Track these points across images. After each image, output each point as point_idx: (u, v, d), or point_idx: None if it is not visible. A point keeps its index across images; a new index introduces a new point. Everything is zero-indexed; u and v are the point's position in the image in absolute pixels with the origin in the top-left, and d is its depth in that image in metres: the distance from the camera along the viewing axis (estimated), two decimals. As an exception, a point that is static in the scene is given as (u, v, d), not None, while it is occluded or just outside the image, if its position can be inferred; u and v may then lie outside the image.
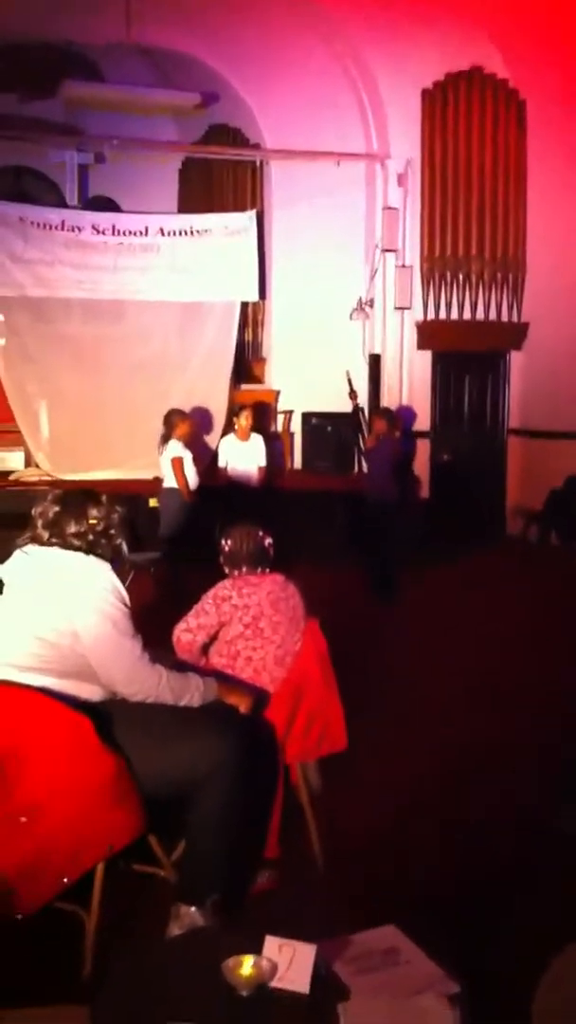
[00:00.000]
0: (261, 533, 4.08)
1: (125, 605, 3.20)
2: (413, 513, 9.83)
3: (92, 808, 3.03)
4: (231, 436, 9.64)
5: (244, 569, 4.01)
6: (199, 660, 3.94)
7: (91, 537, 3.27)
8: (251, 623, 3.87)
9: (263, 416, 11.27)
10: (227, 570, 4.06)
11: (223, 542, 4.08)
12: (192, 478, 8.66)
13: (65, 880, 3.01)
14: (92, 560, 3.23)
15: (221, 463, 9.54)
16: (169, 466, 8.61)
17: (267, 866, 3.67)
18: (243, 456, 9.47)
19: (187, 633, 3.90)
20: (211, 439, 11.03)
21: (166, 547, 8.52)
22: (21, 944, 3.21)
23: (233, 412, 10.10)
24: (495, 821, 4.33)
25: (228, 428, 11.21)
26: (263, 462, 9.56)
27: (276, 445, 11.05)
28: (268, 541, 4.08)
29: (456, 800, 4.56)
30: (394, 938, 2.35)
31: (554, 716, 5.64)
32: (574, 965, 2.12)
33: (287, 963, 2.15)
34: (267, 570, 4.05)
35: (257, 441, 9.59)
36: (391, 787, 4.66)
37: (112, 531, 3.32)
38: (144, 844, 3.30)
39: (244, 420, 9.50)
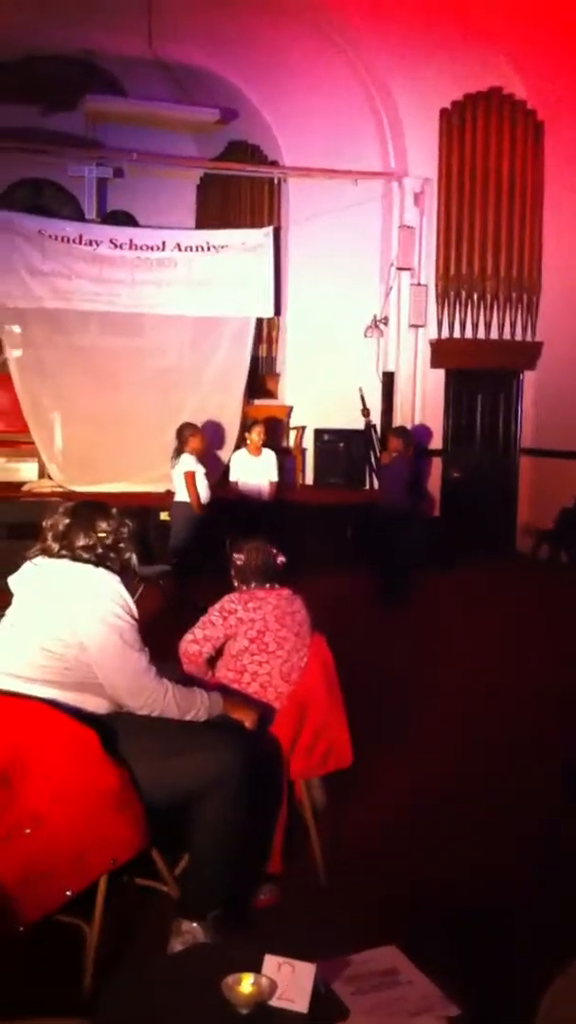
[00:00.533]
0: (274, 550, 4.09)
1: (133, 618, 3.21)
2: (421, 524, 9.84)
3: (95, 820, 3.02)
4: (242, 451, 9.66)
5: (253, 584, 4.02)
6: (205, 674, 3.94)
7: (100, 550, 3.28)
8: (256, 637, 3.87)
9: (275, 431, 11.29)
10: (236, 583, 4.07)
11: (235, 555, 4.08)
12: (204, 492, 8.68)
13: (68, 893, 3.00)
14: (101, 572, 3.23)
15: (232, 477, 9.56)
16: (181, 480, 8.64)
17: (269, 881, 3.66)
18: (254, 471, 9.49)
19: (193, 644, 3.91)
20: (223, 453, 11.05)
21: (176, 560, 8.53)
22: (22, 956, 3.22)
23: (245, 427, 10.13)
24: (499, 838, 4.31)
25: (241, 443, 11.26)
26: (275, 477, 9.57)
27: (287, 460, 11.06)
28: (281, 559, 4.09)
29: (460, 817, 4.55)
30: (394, 959, 2.35)
31: (563, 732, 5.63)
32: None
33: (286, 982, 2.14)
34: (275, 585, 4.05)
35: (269, 456, 9.61)
36: (395, 803, 4.65)
37: (121, 544, 3.32)
38: (147, 858, 3.30)
39: (256, 435, 9.52)
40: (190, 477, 8.57)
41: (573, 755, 4.93)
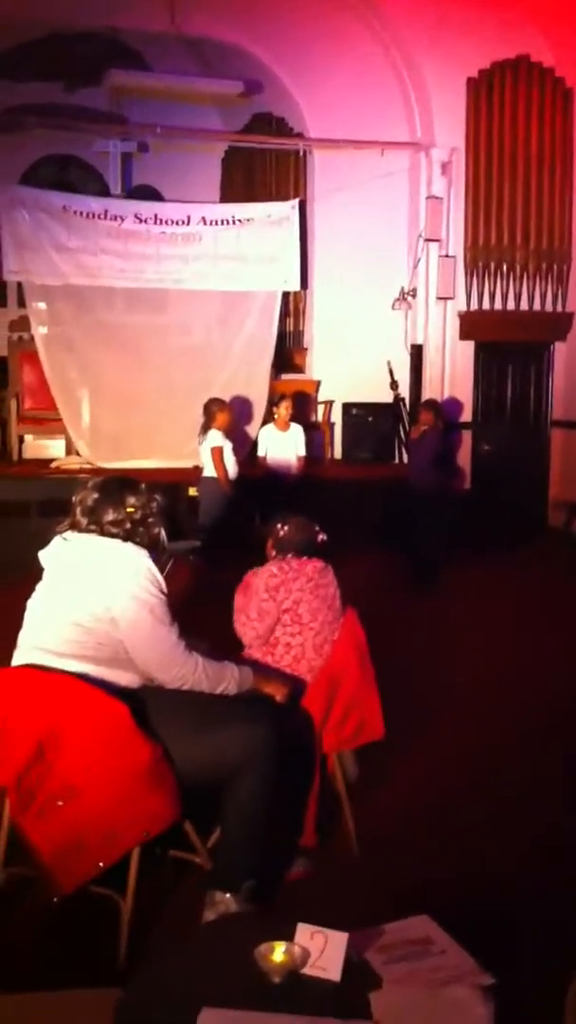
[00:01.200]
0: (317, 528, 4.11)
1: (162, 592, 3.21)
2: (450, 503, 9.79)
3: (128, 793, 3.04)
4: (271, 426, 9.64)
5: (289, 556, 4.01)
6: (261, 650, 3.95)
7: (128, 525, 3.28)
8: (291, 608, 3.88)
9: (304, 406, 11.25)
10: (273, 553, 4.06)
11: (278, 526, 4.08)
12: (231, 468, 8.68)
13: (101, 864, 3.03)
14: (130, 547, 3.24)
15: (260, 452, 9.55)
16: (208, 455, 8.64)
17: (302, 854, 3.68)
18: (282, 445, 9.47)
19: (251, 630, 3.92)
20: (251, 429, 11.03)
21: (205, 536, 8.54)
22: (57, 928, 3.25)
23: (273, 402, 10.10)
24: (533, 812, 4.30)
25: (268, 418, 11.23)
26: (302, 452, 9.55)
27: (316, 435, 11.02)
28: (322, 537, 4.10)
29: (494, 791, 4.55)
30: (427, 928, 2.34)
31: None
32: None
33: (319, 951, 2.14)
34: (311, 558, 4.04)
35: (296, 431, 9.58)
36: (428, 777, 4.66)
37: (150, 519, 3.33)
38: (180, 830, 3.32)
39: (284, 410, 9.50)
40: (217, 453, 8.57)
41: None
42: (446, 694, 5.91)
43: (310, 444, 9.86)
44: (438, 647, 7.03)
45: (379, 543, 9.66)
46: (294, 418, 9.67)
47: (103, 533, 3.27)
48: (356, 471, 11.07)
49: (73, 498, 3.39)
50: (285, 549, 4.03)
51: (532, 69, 11.31)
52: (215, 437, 8.65)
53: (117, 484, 3.39)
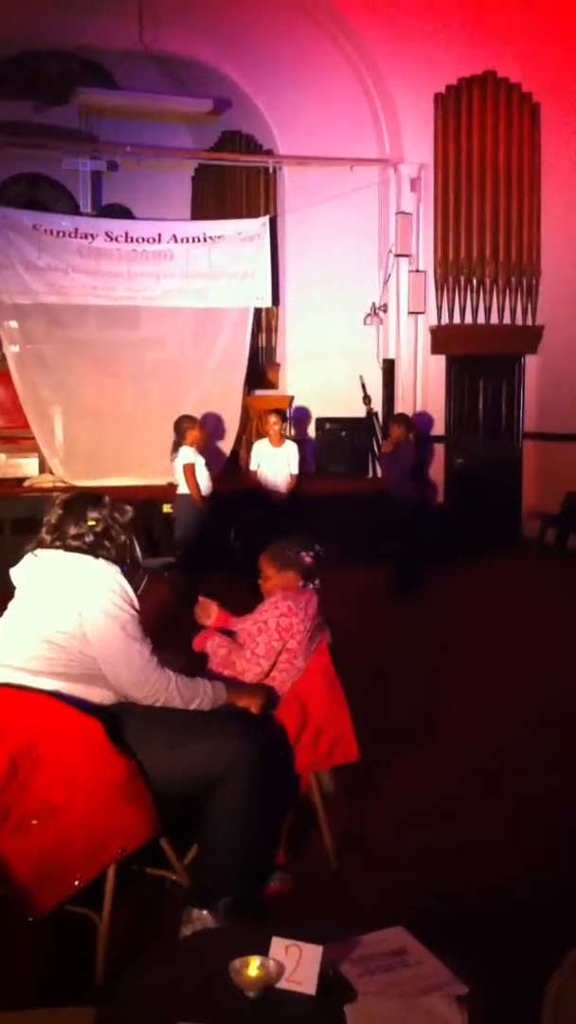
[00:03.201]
0: (318, 547, 4.07)
1: (134, 608, 3.20)
2: (426, 513, 9.84)
3: (104, 810, 3.02)
4: (264, 441, 9.60)
5: (312, 581, 3.99)
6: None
7: (90, 538, 3.28)
8: (293, 648, 3.79)
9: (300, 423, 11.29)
10: (300, 582, 3.97)
11: (305, 555, 4.00)
12: (204, 484, 8.68)
13: (77, 883, 3.00)
14: (100, 563, 3.23)
15: (252, 467, 9.53)
16: (181, 472, 8.64)
17: (279, 869, 3.66)
18: (275, 461, 9.44)
19: (260, 670, 3.77)
20: (225, 445, 11.05)
21: (181, 552, 8.53)
22: (33, 947, 3.22)
23: (256, 418, 10.09)
24: (511, 824, 4.31)
25: (242, 433, 11.25)
26: (295, 470, 9.50)
27: (307, 449, 10.96)
28: (320, 552, 4.06)
29: (472, 801, 4.55)
30: (402, 939, 2.34)
31: (572, 718, 5.62)
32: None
33: (294, 964, 2.14)
34: (317, 583, 4.02)
35: (290, 448, 9.54)
36: (406, 788, 4.66)
37: (113, 531, 3.32)
38: (156, 847, 3.30)
39: (274, 424, 9.47)
40: (190, 469, 8.56)
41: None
42: (426, 704, 5.91)
43: (302, 461, 9.81)
44: (419, 659, 7.05)
45: (356, 555, 9.67)
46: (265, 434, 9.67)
47: (67, 548, 3.27)
48: (331, 485, 11.09)
49: (43, 517, 3.40)
50: (309, 576, 3.99)
51: (499, 84, 11.44)
52: (187, 454, 8.65)
53: (79, 499, 3.41)
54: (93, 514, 3.31)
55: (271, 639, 3.77)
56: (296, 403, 11.79)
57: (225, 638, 3.93)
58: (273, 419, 9.53)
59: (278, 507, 9.20)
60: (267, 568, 4.06)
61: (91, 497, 3.42)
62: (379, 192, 11.60)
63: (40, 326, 10.86)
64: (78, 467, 10.60)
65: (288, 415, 11.44)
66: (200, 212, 12.55)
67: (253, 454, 9.59)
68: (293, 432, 11.57)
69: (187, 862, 3.43)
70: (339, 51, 11.15)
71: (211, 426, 10.29)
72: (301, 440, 10.97)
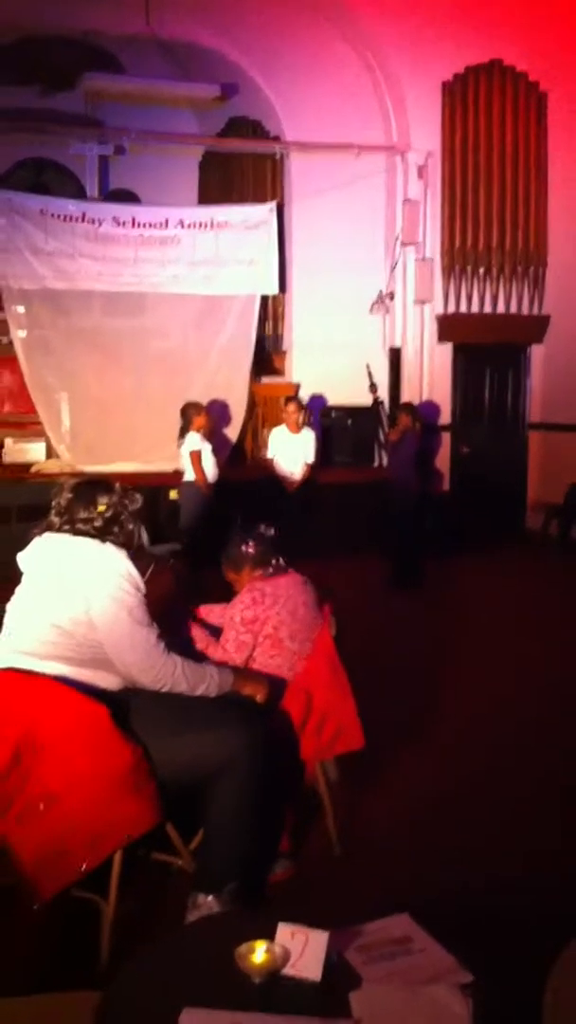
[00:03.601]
0: (262, 527, 4.05)
1: (140, 593, 3.21)
2: (430, 503, 9.84)
3: (110, 796, 3.04)
4: (282, 427, 9.59)
5: (272, 564, 3.95)
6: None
7: (99, 523, 3.29)
8: (271, 634, 3.81)
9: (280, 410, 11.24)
10: (258, 572, 3.96)
11: (244, 548, 3.99)
12: (211, 471, 8.68)
13: (83, 868, 3.02)
14: (107, 547, 3.24)
15: (269, 454, 9.53)
16: (187, 459, 8.64)
17: (283, 856, 3.68)
18: (292, 449, 9.43)
19: (229, 663, 3.79)
20: (231, 432, 11.04)
21: (186, 539, 8.54)
22: (39, 933, 3.24)
23: (262, 404, 10.05)
24: (516, 813, 4.32)
25: (248, 421, 11.25)
26: (311, 458, 9.50)
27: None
28: (271, 531, 4.04)
29: (477, 792, 4.56)
30: (407, 927, 2.35)
31: (573, 710, 5.63)
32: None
33: (299, 950, 2.15)
34: (281, 563, 3.99)
35: (308, 436, 9.53)
36: (409, 779, 4.67)
37: (122, 518, 3.33)
38: (162, 833, 3.31)
39: (292, 412, 9.45)
40: (196, 456, 8.57)
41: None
42: (430, 695, 5.92)
43: (318, 451, 9.79)
44: (421, 649, 7.05)
45: (361, 545, 9.68)
46: (274, 421, 9.67)
47: (75, 532, 3.28)
48: (336, 474, 11.08)
49: (52, 500, 3.40)
50: (265, 560, 3.97)
51: (506, 73, 11.37)
52: (193, 440, 8.65)
53: (89, 484, 3.41)
54: (103, 499, 3.32)
55: (238, 634, 3.81)
56: (302, 391, 11.76)
57: (203, 631, 3.94)
58: (292, 407, 9.52)
59: (291, 495, 9.20)
60: (227, 575, 4.09)
61: (102, 482, 3.43)
62: (386, 180, 11.56)
63: (47, 312, 10.83)
64: (84, 453, 10.60)
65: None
66: (206, 198, 12.49)
67: (270, 440, 9.59)
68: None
69: (193, 848, 3.45)
70: (346, 38, 11.10)
71: (216, 413, 10.27)
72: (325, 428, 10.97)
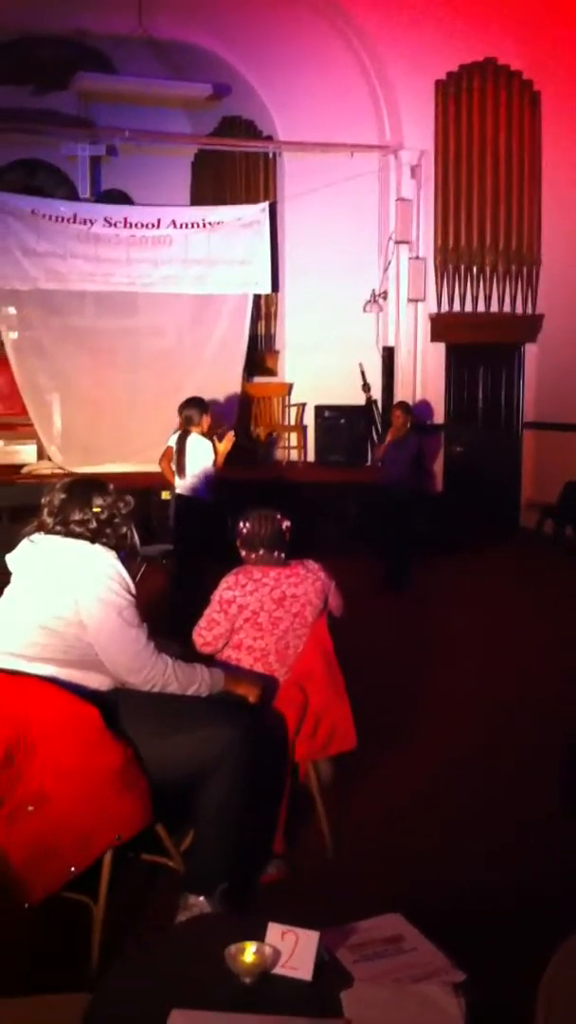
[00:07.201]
0: (279, 516, 4.01)
1: (130, 594, 3.19)
2: (423, 503, 9.82)
3: (100, 797, 3.02)
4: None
5: (261, 552, 3.94)
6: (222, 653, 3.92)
7: (94, 525, 3.26)
8: (250, 618, 3.84)
9: (275, 409, 11.24)
10: (243, 553, 4.00)
11: (241, 524, 4.00)
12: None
13: (73, 869, 3.00)
14: (97, 548, 3.22)
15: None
16: (201, 463, 8.53)
17: (275, 857, 3.66)
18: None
19: (206, 647, 3.88)
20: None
21: (182, 549, 8.46)
22: (29, 934, 3.22)
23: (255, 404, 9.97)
24: (509, 813, 4.31)
25: (241, 421, 11.21)
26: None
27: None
28: (286, 524, 4.00)
29: (467, 793, 4.55)
30: (398, 925, 2.33)
31: (567, 714, 5.61)
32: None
33: (290, 950, 2.13)
34: (283, 555, 3.97)
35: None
36: (403, 779, 4.65)
37: (116, 520, 3.30)
38: (152, 834, 3.29)
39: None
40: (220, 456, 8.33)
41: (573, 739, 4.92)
42: (422, 696, 5.91)
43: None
44: (414, 650, 7.04)
45: (351, 546, 9.65)
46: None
47: (68, 534, 3.25)
48: (329, 474, 11.07)
49: (42, 499, 3.37)
50: (253, 546, 3.96)
51: (499, 72, 11.39)
52: (204, 444, 8.56)
53: (84, 485, 3.38)
54: (99, 501, 3.29)
55: (212, 611, 3.86)
56: (295, 390, 11.76)
57: None
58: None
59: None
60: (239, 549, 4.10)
61: (96, 483, 3.40)
62: (379, 179, 11.56)
63: (38, 312, 10.83)
64: (76, 454, 10.58)
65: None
66: (199, 198, 12.49)
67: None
68: (294, 420, 11.57)
69: (183, 849, 3.43)
70: (339, 37, 11.10)
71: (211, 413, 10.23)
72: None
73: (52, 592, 3.17)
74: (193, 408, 7.62)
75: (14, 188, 11.59)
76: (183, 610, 6.80)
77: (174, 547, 7.86)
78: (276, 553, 3.96)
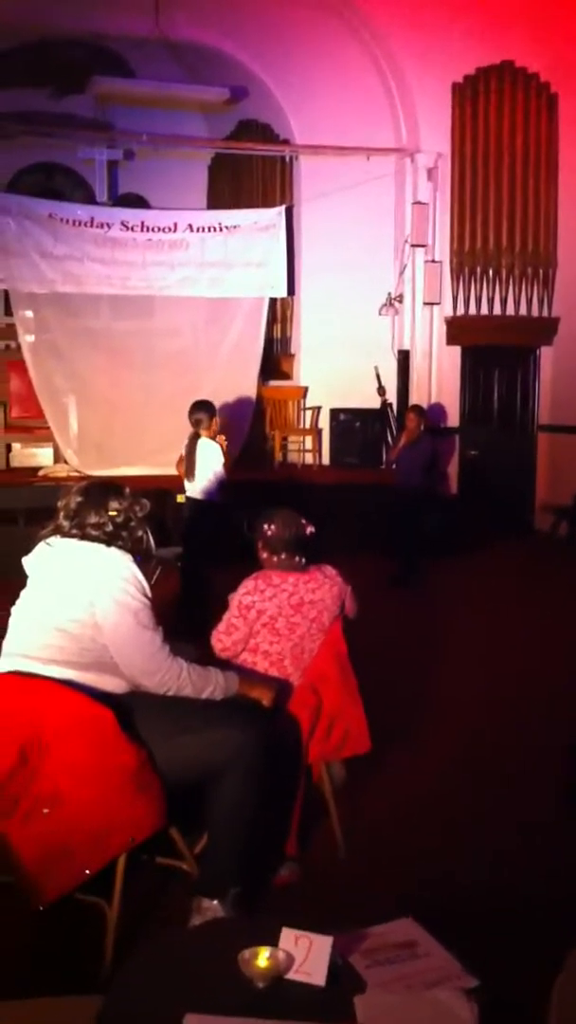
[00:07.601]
0: (303, 520, 4.00)
1: (146, 596, 3.20)
2: (436, 506, 9.83)
3: (114, 800, 3.02)
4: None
5: (283, 555, 3.92)
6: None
7: (110, 528, 3.27)
8: (268, 623, 3.83)
9: (291, 412, 11.24)
10: (264, 555, 3.97)
11: (265, 526, 3.96)
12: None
13: (87, 871, 3.01)
14: (113, 551, 3.22)
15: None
16: (210, 467, 8.54)
17: (288, 860, 3.66)
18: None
19: (226, 651, 3.87)
20: (239, 435, 11.02)
21: (191, 553, 8.47)
22: (42, 935, 3.23)
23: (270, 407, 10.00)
24: (520, 816, 4.30)
25: (256, 424, 11.21)
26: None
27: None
28: (310, 530, 3.99)
29: (481, 795, 4.54)
30: (411, 931, 2.33)
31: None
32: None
33: (303, 955, 2.13)
34: (303, 560, 3.96)
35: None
36: (415, 781, 4.65)
37: (132, 524, 3.31)
38: (166, 837, 3.30)
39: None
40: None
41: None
42: (434, 697, 5.90)
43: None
44: (426, 651, 7.03)
45: (367, 547, 9.64)
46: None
47: (85, 537, 3.26)
48: (344, 476, 11.07)
49: (58, 503, 3.38)
50: (276, 548, 3.94)
51: (516, 74, 11.37)
52: (214, 448, 8.56)
53: (100, 488, 3.39)
54: (115, 504, 3.30)
55: (231, 615, 3.85)
56: (311, 393, 11.75)
57: None
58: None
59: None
60: (258, 550, 4.07)
61: (113, 487, 3.40)
62: (395, 182, 11.55)
63: (55, 316, 10.85)
64: (92, 457, 10.60)
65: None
66: (216, 201, 12.51)
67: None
68: (309, 423, 11.56)
69: (197, 852, 3.43)
70: (356, 40, 11.10)
71: (225, 416, 10.24)
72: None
73: (68, 595, 3.17)
74: (202, 411, 7.66)
75: (32, 191, 11.64)
76: (189, 612, 6.86)
77: (182, 549, 7.87)
78: (297, 558, 3.95)
